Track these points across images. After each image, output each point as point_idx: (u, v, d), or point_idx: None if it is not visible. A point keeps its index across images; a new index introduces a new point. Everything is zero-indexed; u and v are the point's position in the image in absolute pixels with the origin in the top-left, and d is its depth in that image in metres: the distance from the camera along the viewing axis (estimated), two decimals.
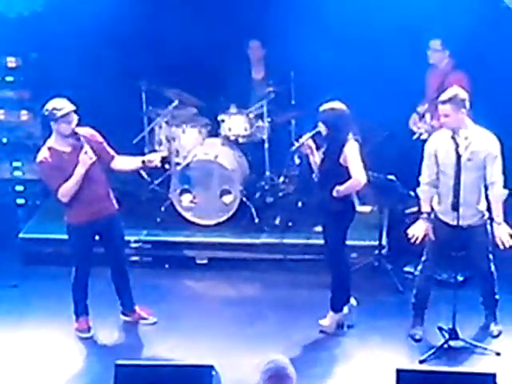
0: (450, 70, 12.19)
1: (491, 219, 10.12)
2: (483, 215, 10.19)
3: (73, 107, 10.35)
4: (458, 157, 9.63)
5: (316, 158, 10.65)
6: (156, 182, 13.25)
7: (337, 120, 10.36)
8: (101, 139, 10.75)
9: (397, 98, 12.26)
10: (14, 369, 10.26)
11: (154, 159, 10.64)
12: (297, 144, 10.94)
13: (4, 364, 10.34)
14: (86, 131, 10.63)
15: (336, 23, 12.13)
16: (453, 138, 9.63)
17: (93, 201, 10.57)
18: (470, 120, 9.98)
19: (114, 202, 10.88)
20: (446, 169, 9.95)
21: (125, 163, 10.81)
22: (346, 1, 11.99)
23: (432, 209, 10.27)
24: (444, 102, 9.73)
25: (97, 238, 10.92)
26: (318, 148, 10.68)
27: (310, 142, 10.71)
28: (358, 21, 12.06)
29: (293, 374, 6.83)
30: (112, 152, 10.74)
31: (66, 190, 10.33)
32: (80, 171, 10.18)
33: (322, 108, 10.43)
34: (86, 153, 10.21)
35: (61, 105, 10.34)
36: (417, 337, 10.66)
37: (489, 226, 10.19)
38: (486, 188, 10.04)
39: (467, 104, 9.88)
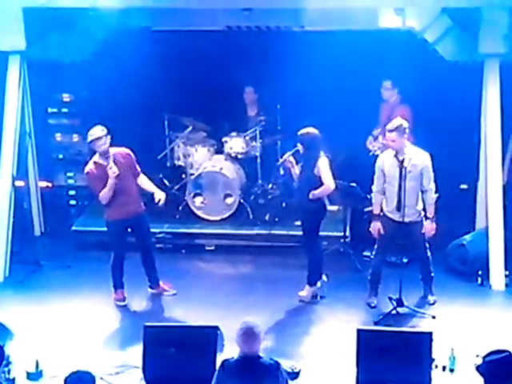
0: (397, 104, 12.09)
1: (426, 216, 10.23)
2: (420, 213, 10.26)
3: (99, 134, 10.31)
4: (401, 170, 9.87)
5: (296, 170, 10.69)
6: (175, 187, 13.12)
7: (311, 141, 10.39)
8: (132, 157, 10.66)
9: (357, 124, 12.15)
10: (67, 330, 10.10)
11: (160, 198, 10.80)
12: (281, 160, 11.17)
13: (60, 326, 10.17)
14: (121, 150, 10.58)
15: (311, 70, 12.08)
16: (395, 156, 9.96)
17: (124, 204, 10.51)
18: (408, 142, 10.09)
19: (142, 204, 10.79)
20: (391, 180, 10.10)
21: (144, 184, 10.84)
22: (319, 55, 11.89)
23: (381, 210, 10.34)
24: (391, 131, 9.89)
25: (129, 230, 10.81)
26: (297, 163, 10.65)
27: (291, 159, 10.75)
28: (328, 68, 11.93)
29: (260, 332, 7.07)
30: (138, 169, 10.72)
31: (103, 195, 10.35)
32: (110, 181, 10.17)
33: (300, 132, 10.45)
34: (110, 168, 10.16)
35: (92, 132, 10.38)
36: (372, 304, 10.61)
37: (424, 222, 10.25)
38: (422, 192, 10.14)
39: (407, 131, 9.97)
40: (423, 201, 10.21)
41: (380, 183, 10.21)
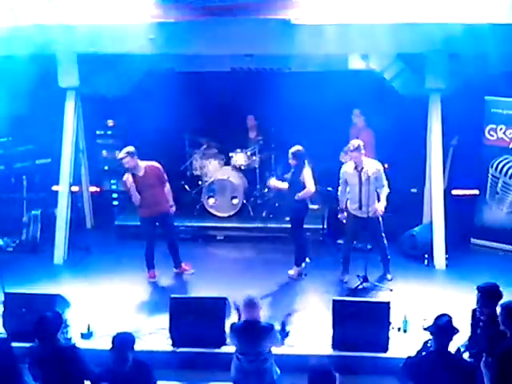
0: (363, 128, 12.09)
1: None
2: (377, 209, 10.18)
3: (121, 156, 10.38)
4: (360, 177, 10.05)
5: (282, 186, 10.80)
6: (194, 191, 13.12)
7: (299, 155, 10.38)
8: (160, 169, 10.62)
9: (333, 142, 12.02)
10: (111, 301, 10.18)
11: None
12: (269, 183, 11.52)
13: (106, 298, 10.24)
14: (152, 164, 10.56)
15: (297, 102, 12.08)
16: (355, 167, 10.11)
17: (152, 205, 10.51)
18: (365, 157, 10.20)
19: (168, 205, 10.76)
20: (352, 185, 10.22)
21: (167, 193, 10.81)
22: (303, 90, 11.93)
23: (347, 207, 10.43)
24: (352, 151, 10.03)
25: (157, 224, 10.78)
26: (283, 180, 10.83)
27: (273, 182, 11.19)
28: (310, 99, 11.94)
29: (258, 302, 7.21)
30: (165, 179, 10.70)
31: (134, 198, 10.41)
32: (131, 189, 10.35)
33: (291, 150, 10.45)
34: (127, 179, 10.33)
35: (118, 154, 10.59)
36: (344, 280, 10.61)
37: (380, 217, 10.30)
38: (378, 191, 10.19)
39: (362, 149, 10.08)
40: (379, 199, 10.21)
41: (344, 188, 10.34)
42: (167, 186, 10.73)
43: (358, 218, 10.35)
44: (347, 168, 10.25)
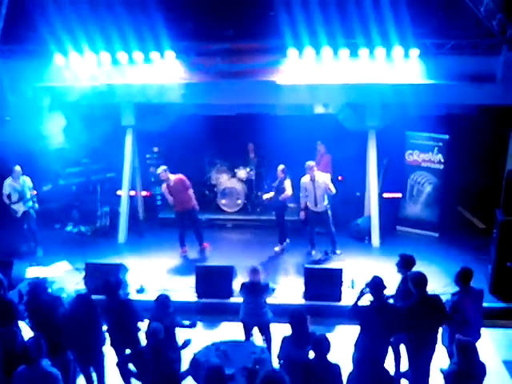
0: (324, 153, 11.94)
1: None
2: (326, 207, 10.22)
3: (159, 172, 10.57)
4: (313, 185, 10.06)
5: (269, 196, 10.90)
6: (211, 195, 12.90)
7: (284, 171, 10.50)
8: (183, 179, 10.57)
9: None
10: (156, 268, 10.16)
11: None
12: (265, 197, 11.20)
13: (152, 266, 10.21)
14: (178, 176, 10.56)
15: (282, 135, 11.65)
16: (311, 179, 10.09)
17: (180, 203, 10.54)
18: (318, 171, 10.25)
19: (192, 203, 10.66)
20: (309, 191, 10.18)
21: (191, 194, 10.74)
22: (285, 128, 11.50)
23: (306, 205, 10.36)
24: (309, 169, 10.16)
25: (186, 217, 10.71)
26: (271, 189, 10.86)
27: (265, 196, 11.17)
28: (291, 134, 11.47)
29: (260, 270, 7.20)
30: (188, 184, 10.62)
31: (169, 200, 10.51)
32: (166, 193, 10.55)
33: (280, 167, 10.56)
34: (163, 187, 10.51)
35: (159, 169, 10.67)
36: (312, 253, 10.51)
37: (329, 211, 10.29)
38: (327, 194, 10.11)
39: (315, 167, 10.16)
40: (328, 198, 10.22)
41: (304, 193, 10.23)
42: (190, 191, 10.66)
43: (315, 212, 10.29)
44: (305, 179, 10.18)
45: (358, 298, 6.49)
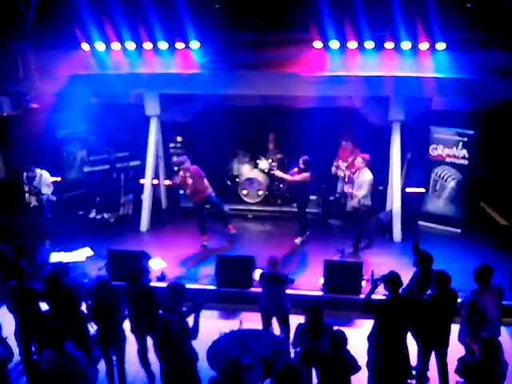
0: (353, 150, 11.61)
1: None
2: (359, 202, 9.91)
3: (179, 161, 10.56)
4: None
5: (283, 175, 10.89)
6: (233, 185, 12.83)
7: (307, 162, 10.32)
8: (198, 169, 10.50)
9: (325, 155, 11.91)
10: (177, 254, 10.20)
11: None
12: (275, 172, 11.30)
13: (172, 252, 10.24)
14: (193, 167, 10.47)
15: (304, 126, 11.59)
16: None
17: (198, 193, 10.43)
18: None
19: (209, 190, 10.61)
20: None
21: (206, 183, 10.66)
22: (307, 119, 11.61)
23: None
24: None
25: (207, 206, 10.79)
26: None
27: (278, 173, 11.13)
28: (312, 125, 11.43)
29: (279, 260, 7.28)
30: (203, 175, 10.51)
31: (187, 189, 10.45)
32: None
33: (304, 157, 10.39)
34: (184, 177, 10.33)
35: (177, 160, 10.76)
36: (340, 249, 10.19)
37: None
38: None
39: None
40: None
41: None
42: (206, 179, 10.55)
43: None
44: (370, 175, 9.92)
45: (372, 291, 6.47)
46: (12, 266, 7.01)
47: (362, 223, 10.18)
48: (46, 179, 10.63)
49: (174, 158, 12.65)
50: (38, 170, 10.53)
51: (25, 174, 10.56)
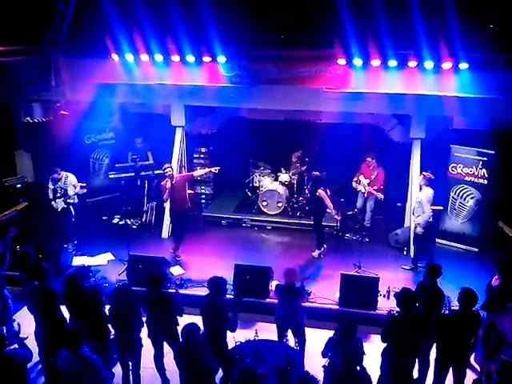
0: (376, 167, 11.43)
1: None
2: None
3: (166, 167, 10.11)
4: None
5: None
6: (253, 196, 12.77)
7: (316, 179, 10.40)
8: (186, 179, 10.42)
9: (347, 170, 11.87)
10: (196, 265, 10.08)
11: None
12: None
13: (193, 262, 10.15)
14: (180, 177, 10.30)
15: (326, 141, 11.72)
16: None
17: (175, 203, 10.22)
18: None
19: (187, 205, 10.39)
20: None
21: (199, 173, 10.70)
22: (330, 134, 11.68)
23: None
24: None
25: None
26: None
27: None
28: (335, 140, 11.52)
29: (297, 272, 7.09)
30: (186, 185, 10.35)
31: (165, 197, 10.17)
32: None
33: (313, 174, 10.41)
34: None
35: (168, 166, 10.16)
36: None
37: None
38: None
39: None
40: None
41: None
42: (189, 191, 10.48)
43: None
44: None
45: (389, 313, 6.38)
46: (35, 267, 7.01)
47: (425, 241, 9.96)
48: (71, 180, 10.53)
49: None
50: (63, 172, 10.48)
51: (50, 177, 10.52)
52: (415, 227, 9.88)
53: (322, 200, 10.24)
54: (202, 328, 5.99)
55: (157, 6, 10.05)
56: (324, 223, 10.84)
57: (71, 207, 10.52)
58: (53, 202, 10.45)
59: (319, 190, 10.22)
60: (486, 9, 9.34)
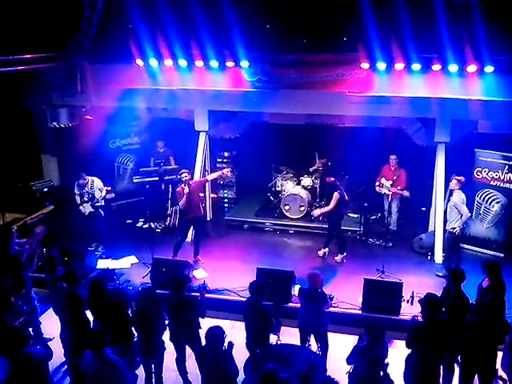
0: (398, 168, 11.44)
1: None
2: None
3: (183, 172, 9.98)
4: None
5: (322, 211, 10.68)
6: (276, 200, 12.63)
7: (330, 185, 10.36)
8: (198, 187, 10.27)
9: (370, 173, 11.76)
10: (218, 268, 10.08)
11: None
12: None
13: (215, 266, 10.13)
14: (196, 183, 10.22)
15: (349, 146, 11.46)
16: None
17: (191, 209, 10.02)
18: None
19: (202, 212, 10.49)
20: None
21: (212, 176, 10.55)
22: (353, 138, 11.52)
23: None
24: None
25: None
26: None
27: (316, 213, 10.94)
28: (357, 145, 11.32)
29: (318, 275, 7.01)
30: (201, 193, 10.43)
31: (182, 203, 9.94)
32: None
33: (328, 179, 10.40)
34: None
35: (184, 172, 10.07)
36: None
37: None
38: None
39: None
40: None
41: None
42: (201, 200, 10.47)
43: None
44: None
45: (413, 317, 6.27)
46: (67, 270, 7.04)
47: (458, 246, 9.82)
48: (97, 184, 10.58)
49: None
50: (88, 177, 10.55)
51: (76, 182, 10.60)
52: (451, 232, 9.61)
53: (337, 205, 10.17)
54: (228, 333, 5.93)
55: (181, 11, 10.12)
56: (346, 227, 10.72)
57: (100, 210, 10.57)
58: (80, 207, 10.53)
59: (335, 193, 10.15)
60: (511, 11, 9.17)
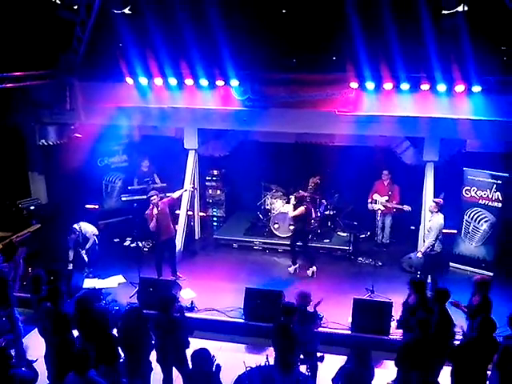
0: (391, 184, 11.55)
1: None
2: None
3: (152, 194, 9.98)
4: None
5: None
6: (265, 219, 12.59)
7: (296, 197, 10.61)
8: (170, 203, 10.19)
9: (361, 191, 11.84)
10: (206, 288, 9.97)
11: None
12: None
13: (203, 286, 10.04)
14: (164, 202, 10.04)
15: (339, 164, 11.59)
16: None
17: (161, 231, 9.96)
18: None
19: (173, 232, 10.31)
20: None
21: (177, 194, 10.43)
22: (343, 156, 11.59)
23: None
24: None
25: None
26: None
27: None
28: (348, 163, 11.32)
29: (310, 296, 6.97)
30: (168, 214, 10.08)
31: (152, 225, 9.86)
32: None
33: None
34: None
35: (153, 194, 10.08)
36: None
37: None
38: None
39: None
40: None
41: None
42: (171, 220, 10.21)
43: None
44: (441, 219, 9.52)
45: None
46: (50, 289, 6.94)
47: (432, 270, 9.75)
48: (86, 228, 10.51)
49: (210, 191, 12.77)
50: (76, 227, 10.39)
51: (68, 237, 10.41)
52: (428, 252, 9.62)
53: (303, 219, 10.32)
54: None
55: (171, 30, 10.15)
56: (335, 246, 10.73)
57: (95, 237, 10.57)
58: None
59: (302, 207, 10.30)
60: (498, 31, 9.30)
